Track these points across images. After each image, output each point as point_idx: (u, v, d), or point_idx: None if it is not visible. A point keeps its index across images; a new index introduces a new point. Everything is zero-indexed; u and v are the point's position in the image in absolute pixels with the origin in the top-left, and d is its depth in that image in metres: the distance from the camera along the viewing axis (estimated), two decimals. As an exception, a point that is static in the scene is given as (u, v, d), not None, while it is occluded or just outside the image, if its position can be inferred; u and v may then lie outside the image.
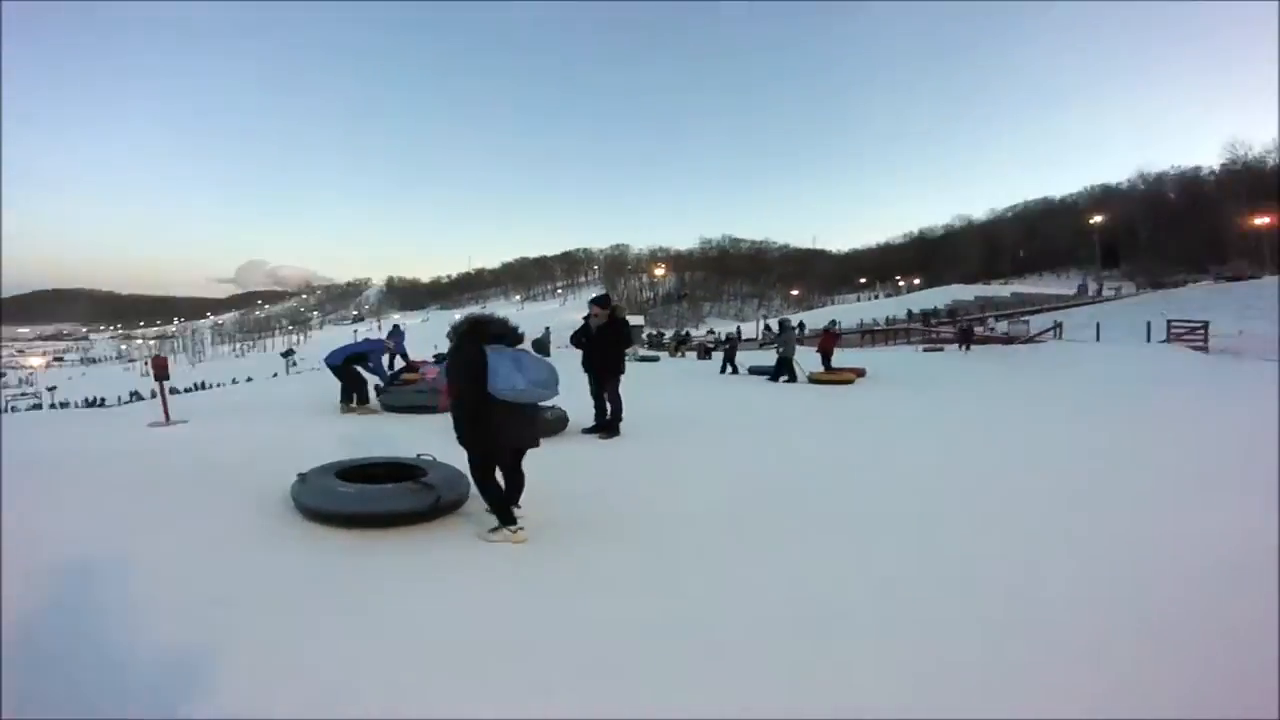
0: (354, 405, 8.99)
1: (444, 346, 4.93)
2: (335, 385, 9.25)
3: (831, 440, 7.88)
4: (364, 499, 4.12)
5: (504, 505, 4.09)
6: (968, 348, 23.87)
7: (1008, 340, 29.26)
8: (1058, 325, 32.53)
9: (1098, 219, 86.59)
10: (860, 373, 15.11)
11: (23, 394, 77.63)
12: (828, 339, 17.10)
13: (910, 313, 55.89)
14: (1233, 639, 2.86)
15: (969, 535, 4.30)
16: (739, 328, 54.80)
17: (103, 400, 49.60)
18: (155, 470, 5.49)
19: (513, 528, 4.02)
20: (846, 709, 2.39)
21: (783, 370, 14.44)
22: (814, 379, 14.26)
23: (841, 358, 19.79)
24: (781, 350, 14.76)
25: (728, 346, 20.46)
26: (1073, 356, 19.28)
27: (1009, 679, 2.57)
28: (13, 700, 1.81)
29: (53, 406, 51.19)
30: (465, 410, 4.01)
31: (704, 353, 27.53)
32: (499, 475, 4.18)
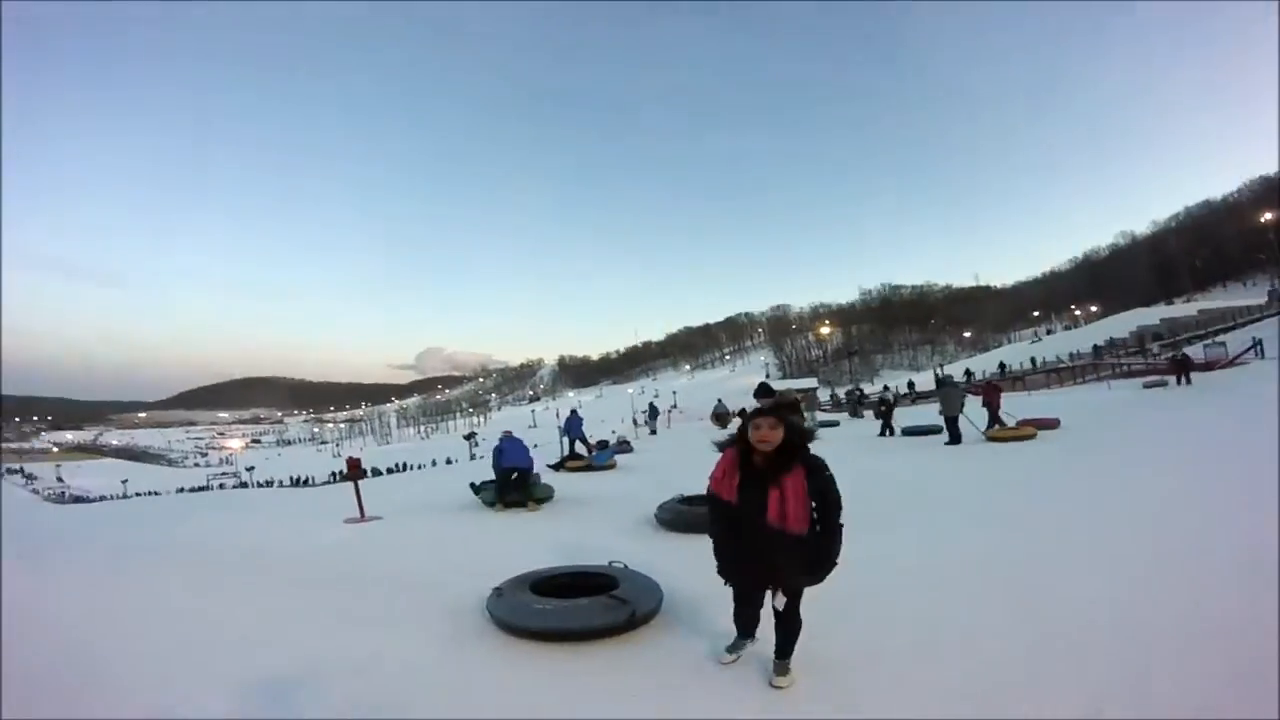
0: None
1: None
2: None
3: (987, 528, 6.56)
4: (559, 614, 4.17)
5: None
6: (1187, 380, 20.19)
7: (1207, 366, 25.83)
8: (1258, 343, 29.21)
9: (1268, 216, 77.85)
10: (1051, 424, 13.50)
11: (223, 473, 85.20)
12: (991, 391, 15.43)
13: (1096, 347, 51.20)
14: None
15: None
16: (893, 386, 51.11)
17: (308, 480, 53.88)
18: (352, 574, 5.84)
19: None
20: None
21: (951, 431, 13.38)
22: (993, 437, 12.97)
23: (1027, 404, 18.59)
24: (943, 410, 13.90)
25: (883, 408, 17.98)
26: None
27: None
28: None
29: (255, 485, 56.15)
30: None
31: (877, 412, 24.36)
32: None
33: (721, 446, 3.53)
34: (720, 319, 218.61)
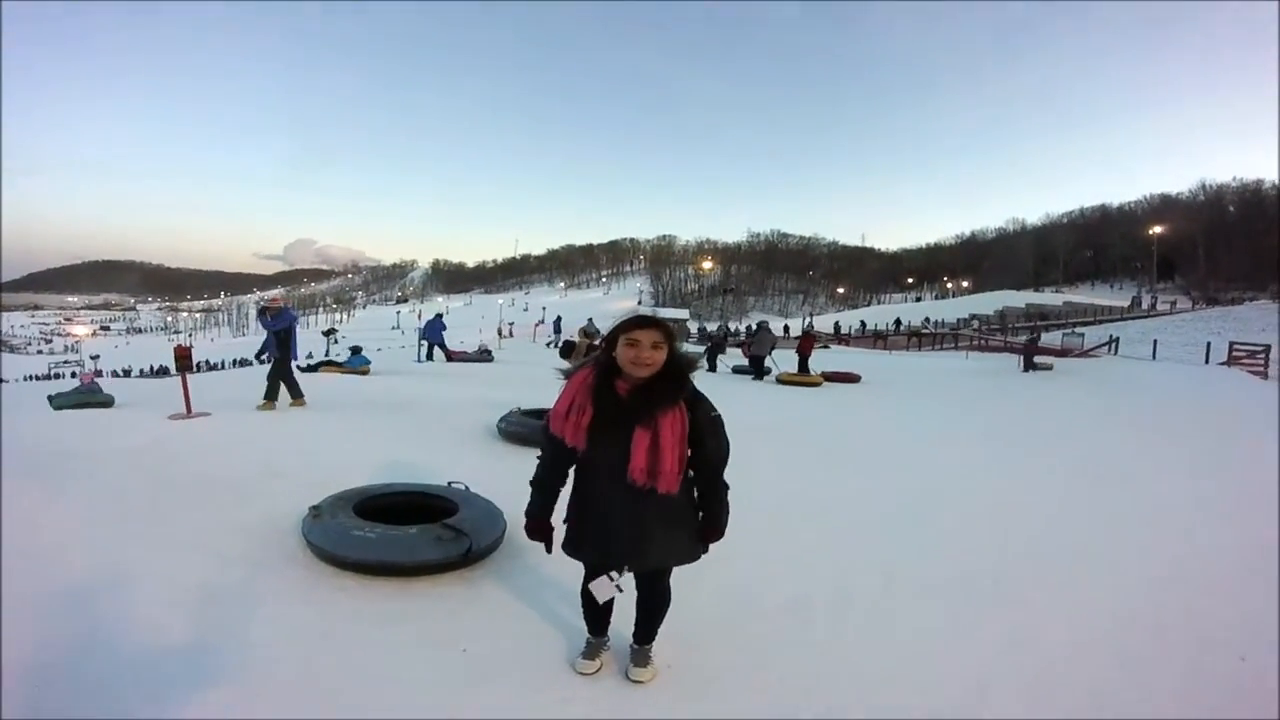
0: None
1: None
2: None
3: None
4: (385, 546, 3.50)
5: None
6: (1030, 366, 18.59)
7: (1062, 353, 27.72)
8: (1114, 339, 31.14)
9: (1158, 229, 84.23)
10: (852, 378, 15.40)
11: (65, 362, 78.87)
12: (805, 342, 17.20)
13: (959, 320, 53.87)
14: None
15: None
16: (727, 325, 53.15)
17: (133, 370, 50.43)
18: (164, 477, 4.99)
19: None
20: None
21: (756, 369, 15.49)
22: (782, 379, 14.87)
23: (846, 359, 20.46)
24: (752, 350, 16.05)
25: (709, 345, 19.39)
26: (1128, 376, 17.24)
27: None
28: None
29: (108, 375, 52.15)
30: None
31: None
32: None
33: (567, 374, 2.53)
34: (605, 241, 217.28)
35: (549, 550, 2.57)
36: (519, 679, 2.76)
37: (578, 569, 2.66)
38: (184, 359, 7.92)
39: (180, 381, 7.93)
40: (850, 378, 15.39)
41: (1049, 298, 72.50)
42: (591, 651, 2.86)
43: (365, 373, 13.83)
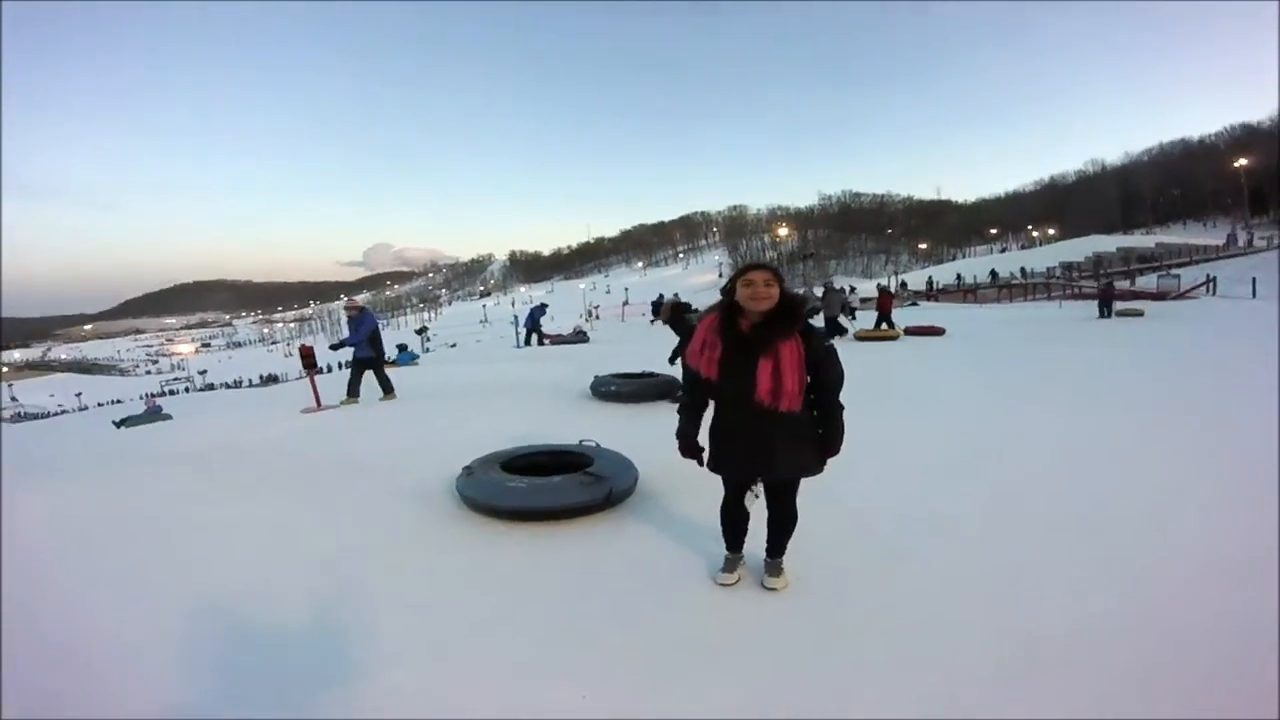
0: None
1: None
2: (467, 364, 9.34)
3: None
4: (533, 493, 3.98)
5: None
6: (1109, 313, 18.38)
7: (1158, 296, 26.75)
8: (1210, 280, 29.79)
9: (1243, 162, 79.24)
10: (932, 330, 15.81)
11: (175, 379, 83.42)
12: (884, 300, 17.68)
13: (1048, 270, 51.77)
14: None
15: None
16: (811, 291, 52.66)
17: (243, 381, 53.24)
18: (314, 461, 5.59)
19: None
20: None
21: (831, 330, 15.66)
22: (859, 336, 15.40)
23: (934, 314, 21.13)
24: (824, 311, 16.28)
25: None
26: (1223, 317, 16.75)
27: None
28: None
29: (200, 389, 55.30)
30: None
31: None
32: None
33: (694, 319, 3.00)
34: (675, 217, 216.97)
35: (701, 464, 2.97)
36: (668, 592, 3.18)
37: (708, 506, 3.06)
38: (308, 357, 8.63)
39: (309, 379, 8.67)
40: (934, 330, 15.79)
41: (1140, 240, 68.71)
42: (730, 565, 3.24)
43: (415, 365, 15.36)
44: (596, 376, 8.48)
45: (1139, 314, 18.07)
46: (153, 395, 15.73)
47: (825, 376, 2.75)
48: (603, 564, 3.49)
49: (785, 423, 2.72)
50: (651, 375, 8.39)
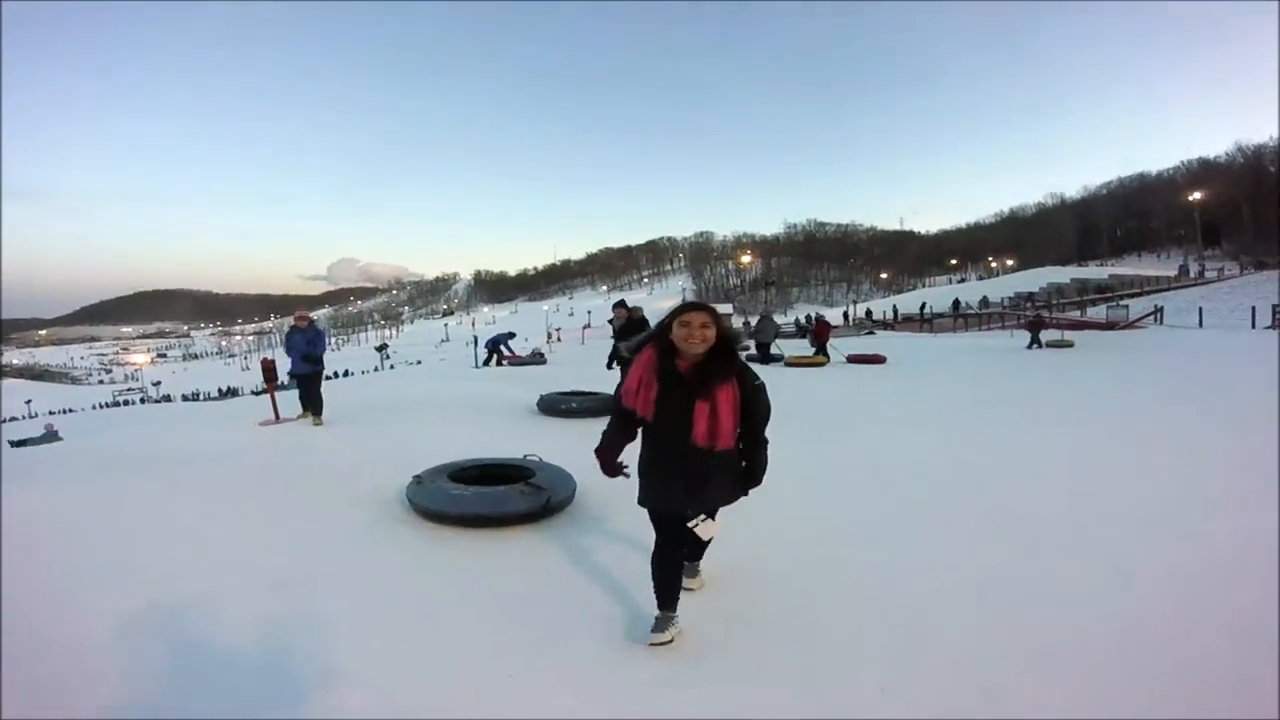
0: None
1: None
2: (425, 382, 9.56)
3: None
4: (478, 501, 4.28)
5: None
6: (1038, 344, 18.55)
7: (1107, 326, 27.81)
8: (1158, 310, 30.97)
9: (1197, 195, 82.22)
10: (874, 359, 16.22)
11: (129, 389, 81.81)
12: (821, 328, 18.72)
13: (1003, 299, 53.02)
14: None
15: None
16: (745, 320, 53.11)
17: (201, 394, 52.44)
18: (271, 470, 5.81)
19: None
20: None
21: (763, 354, 16.61)
22: (789, 362, 15.94)
23: (881, 343, 21.56)
24: (756, 336, 17.31)
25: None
26: (1160, 346, 17.38)
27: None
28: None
29: (157, 401, 54.33)
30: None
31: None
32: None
33: (630, 352, 2.96)
34: (642, 241, 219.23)
35: (623, 477, 3.04)
36: (593, 589, 3.52)
37: (637, 517, 3.21)
38: (269, 371, 8.77)
39: (269, 392, 8.81)
40: (876, 359, 16.20)
41: (1094, 271, 70.95)
42: (661, 625, 3.00)
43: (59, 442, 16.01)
44: (542, 396, 9.00)
45: (1069, 345, 18.51)
46: (50, 424, 16.32)
47: (754, 415, 2.85)
48: (536, 564, 3.81)
49: (718, 459, 2.80)
50: (594, 394, 8.85)
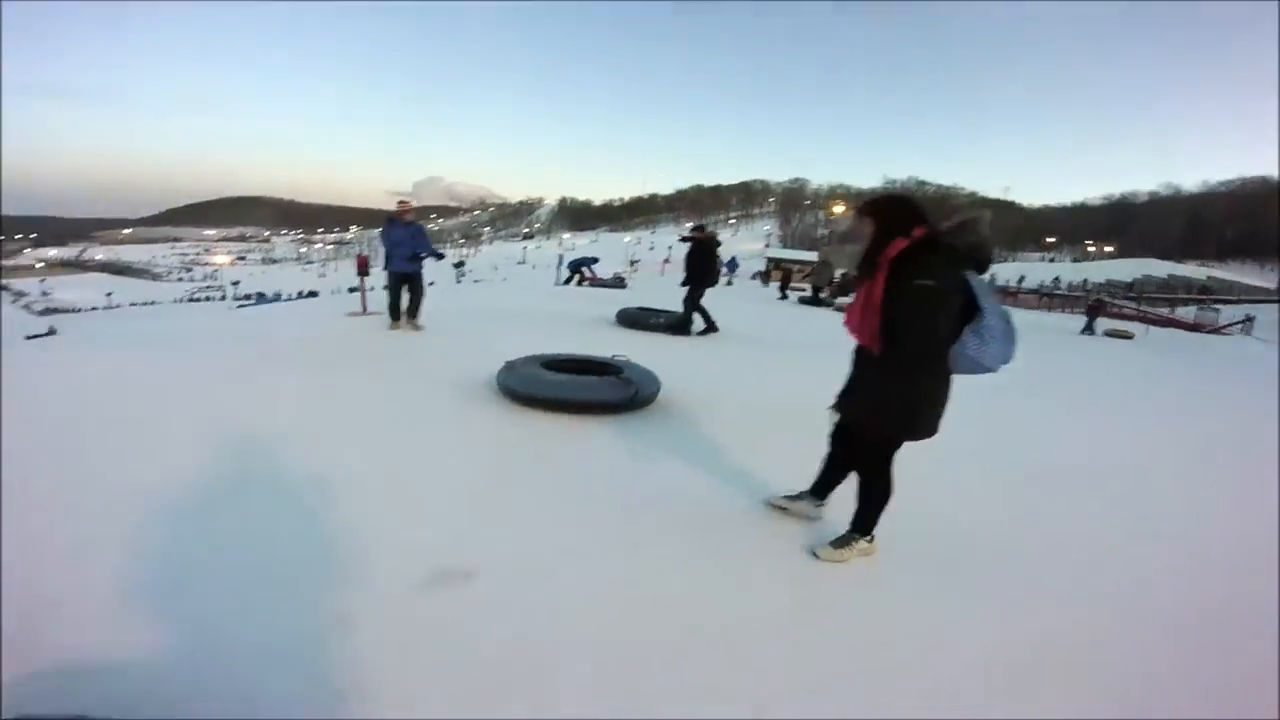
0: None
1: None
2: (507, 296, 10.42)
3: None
4: (570, 387, 4.47)
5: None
6: (1090, 330, 17.18)
7: (1193, 327, 26.32)
8: (1249, 319, 29.36)
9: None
10: None
11: (208, 288, 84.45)
12: None
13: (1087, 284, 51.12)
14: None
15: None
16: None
17: (281, 294, 54.27)
18: (357, 350, 6.29)
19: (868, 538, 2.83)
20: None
21: (815, 296, 17.93)
22: (840, 307, 15.94)
23: None
24: (814, 281, 18.96)
25: (782, 276, 23.36)
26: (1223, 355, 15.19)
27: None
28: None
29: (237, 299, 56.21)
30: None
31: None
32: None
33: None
34: (735, 182, 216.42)
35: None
36: (669, 481, 3.59)
37: (716, 418, 3.25)
38: (363, 267, 9.13)
39: (360, 285, 9.19)
40: None
41: (1193, 270, 67.36)
42: (793, 496, 3.13)
43: None
44: (623, 309, 9.55)
45: (1127, 336, 16.93)
46: (52, 325, 16.95)
47: (892, 322, 2.46)
48: (617, 449, 3.96)
49: (864, 360, 2.65)
50: (672, 312, 9.13)
